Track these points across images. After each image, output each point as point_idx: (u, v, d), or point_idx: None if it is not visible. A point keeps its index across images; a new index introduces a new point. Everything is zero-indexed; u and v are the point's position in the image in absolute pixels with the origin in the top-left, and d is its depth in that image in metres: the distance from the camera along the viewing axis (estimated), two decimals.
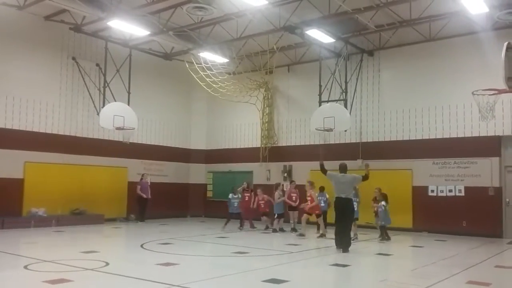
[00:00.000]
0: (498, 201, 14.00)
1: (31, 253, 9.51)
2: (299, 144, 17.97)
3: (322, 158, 10.88)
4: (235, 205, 15.07)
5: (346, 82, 16.32)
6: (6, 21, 14.10)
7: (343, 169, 10.76)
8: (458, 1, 11.98)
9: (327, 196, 13.45)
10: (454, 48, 14.91)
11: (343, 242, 10.31)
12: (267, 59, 17.29)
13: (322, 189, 13.60)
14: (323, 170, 10.55)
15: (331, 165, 16.86)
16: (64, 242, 11.98)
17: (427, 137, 15.25)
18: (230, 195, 15.17)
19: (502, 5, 12.36)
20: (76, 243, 11.53)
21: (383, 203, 12.53)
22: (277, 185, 15.87)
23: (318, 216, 13.56)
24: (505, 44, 9.33)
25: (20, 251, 10.43)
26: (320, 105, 16.21)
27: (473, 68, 14.30)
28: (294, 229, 14.29)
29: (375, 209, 13.03)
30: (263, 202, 15.25)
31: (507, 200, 14.01)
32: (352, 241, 10.95)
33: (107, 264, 8.21)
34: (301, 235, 13.09)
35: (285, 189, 15.66)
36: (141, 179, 17.24)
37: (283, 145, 18.47)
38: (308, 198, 13.48)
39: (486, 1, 11.76)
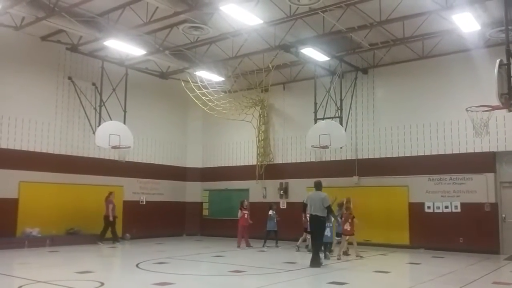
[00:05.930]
0: (495, 217, 13.99)
1: (25, 274, 9.38)
2: (295, 161, 18.00)
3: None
4: (275, 221, 14.99)
5: (341, 100, 16.44)
6: (2, 41, 14.16)
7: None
8: (450, 20, 12.18)
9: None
10: (447, 66, 15.09)
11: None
12: (262, 77, 17.43)
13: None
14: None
15: (327, 181, 16.75)
16: (59, 262, 11.82)
17: (422, 154, 15.31)
18: (271, 212, 15.11)
19: (494, 23, 12.57)
20: (71, 263, 11.37)
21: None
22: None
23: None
24: (498, 61, 9.46)
25: (14, 272, 10.27)
26: (315, 122, 16.31)
27: (466, 85, 14.46)
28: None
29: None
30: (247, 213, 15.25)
31: (503, 216, 14.01)
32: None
33: (102, 284, 8.11)
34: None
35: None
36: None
37: (279, 162, 18.48)
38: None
39: (478, 20, 11.97)
